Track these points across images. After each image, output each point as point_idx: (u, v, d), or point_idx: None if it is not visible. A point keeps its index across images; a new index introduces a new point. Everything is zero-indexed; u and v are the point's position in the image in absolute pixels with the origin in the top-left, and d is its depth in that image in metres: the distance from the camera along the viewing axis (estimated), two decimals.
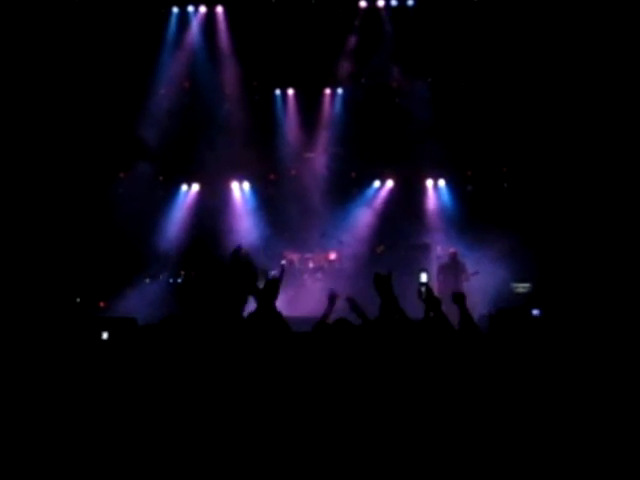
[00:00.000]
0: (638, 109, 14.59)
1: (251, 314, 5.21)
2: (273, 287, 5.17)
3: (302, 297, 13.80)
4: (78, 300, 14.51)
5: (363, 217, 16.09)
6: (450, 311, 5.62)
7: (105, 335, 7.62)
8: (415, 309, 5.92)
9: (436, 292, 12.44)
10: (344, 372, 4.35)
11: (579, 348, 4.83)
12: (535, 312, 8.38)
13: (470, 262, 13.83)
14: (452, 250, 14.10)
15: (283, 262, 15.13)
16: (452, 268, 13.82)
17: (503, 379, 4.39)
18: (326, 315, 5.44)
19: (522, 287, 14.93)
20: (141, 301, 13.70)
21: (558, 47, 15.06)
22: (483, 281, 13.46)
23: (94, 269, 14.99)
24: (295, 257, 15.71)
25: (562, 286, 13.95)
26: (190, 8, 16.55)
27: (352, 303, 5.71)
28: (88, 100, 15.45)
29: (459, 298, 5.73)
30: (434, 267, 14.40)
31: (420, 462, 3.90)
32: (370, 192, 16.64)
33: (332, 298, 5.85)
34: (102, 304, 14.52)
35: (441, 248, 15.11)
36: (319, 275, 15.25)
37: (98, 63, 15.41)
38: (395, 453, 3.92)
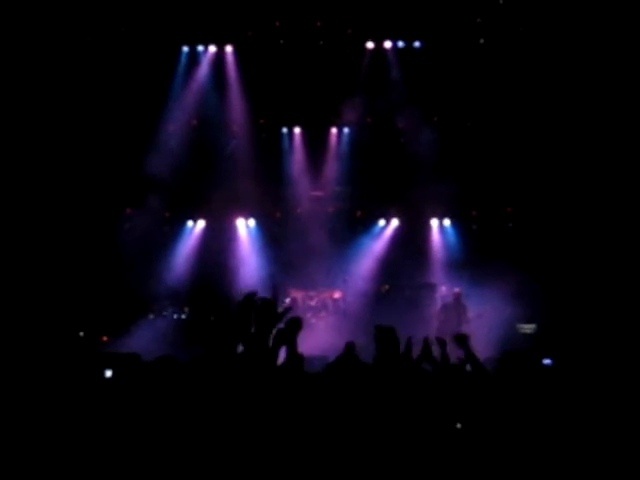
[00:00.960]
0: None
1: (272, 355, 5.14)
2: (294, 327, 5.16)
3: (306, 335, 13.73)
4: (81, 334, 14.47)
5: (368, 256, 16.08)
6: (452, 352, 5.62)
7: (109, 373, 7.58)
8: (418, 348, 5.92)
9: (436, 332, 12.42)
10: (347, 415, 4.33)
11: (589, 399, 4.79)
12: (547, 362, 8.27)
13: (475, 302, 13.80)
14: (457, 290, 14.08)
15: (287, 300, 15.13)
16: (455, 309, 13.79)
17: (509, 423, 4.35)
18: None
19: (528, 328, 14.86)
20: (145, 337, 13.67)
21: (560, 91, 15.21)
22: (487, 321, 13.40)
23: (99, 303, 14.98)
24: (299, 295, 15.67)
25: (568, 328, 13.88)
26: (200, 47, 16.76)
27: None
28: (98, 135, 15.61)
29: (461, 340, 5.71)
30: (438, 307, 14.38)
31: None
32: (376, 231, 16.66)
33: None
34: (105, 339, 14.48)
35: (446, 288, 15.06)
36: (323, 314, 15.21)
37: (109, 99, 15.60)
38: None
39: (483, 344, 10.72)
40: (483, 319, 13.38)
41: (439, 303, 14.62)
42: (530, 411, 4.49)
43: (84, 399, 5.40)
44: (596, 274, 14.67)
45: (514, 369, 4.90)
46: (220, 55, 16.78)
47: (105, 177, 15.77)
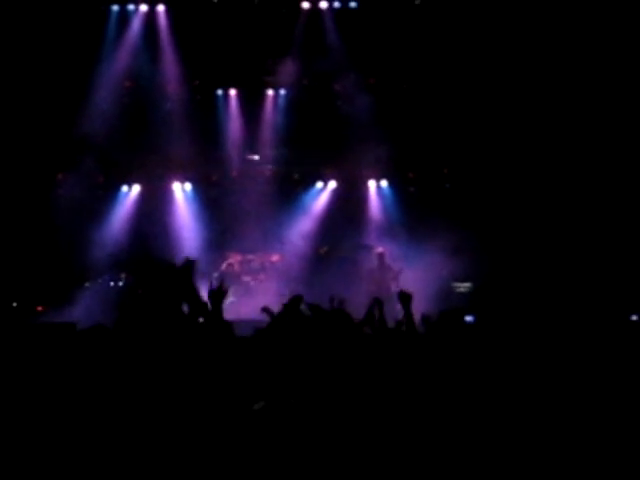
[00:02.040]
0: (567, 102, 14.98)
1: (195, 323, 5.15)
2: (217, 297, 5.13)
3: (245, 299, 13.76)
4: (14, 304, 14.19)
5: (306, 218, 16.11)
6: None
7: None
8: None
9: (365, 294, 12.61)
10: (282, 376, 4.36)
11: (508, 356, 4.95)
12: (469, 318, 8.51)
13: (412, 262, 14.00)
14: (379, 250, 14.28)
15: (223, 265, 15.12)
16: (379, 270, 14.02)
17: (436, 382, 4.47)
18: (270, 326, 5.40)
19: (463, 287, 15.16)
20: (82, 305, 13.49)
21: (494, 51, 15.35)
22: (423, 281, 13.62)
23: (32, 272, 14.69)
24: (237, 259, 15.65)
25: (502, 287, 14.22)
26: (130, 6, 16.30)
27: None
28: (26, 99, 15.13)
29: (405, 298, 5.76)
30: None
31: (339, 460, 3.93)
32: (313, 193, 16.67)
33: (267, 312, 5.80)
34: (40, 309, 14.23)
35: (383, 248, 15.23)
36: (262, 276, 15.23)
37: (37, 60, 15.10)
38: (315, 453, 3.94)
39: (417, 303, 10.90)
40: (419, 277, 13.59)
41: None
42: (455, 370, 4.61)
43: (18, 369, 5.31)
44: (531, 235, 15.03)
45: (441, 327, 5.02)
46: (152, 15, 16.36)
47: (35, 142, 15.34)
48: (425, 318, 5.72)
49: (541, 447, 4.17)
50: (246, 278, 15.18)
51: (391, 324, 5.67)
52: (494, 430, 4.26)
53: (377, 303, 5.89)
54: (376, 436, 4.05)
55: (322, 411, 4.12)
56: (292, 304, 5.25)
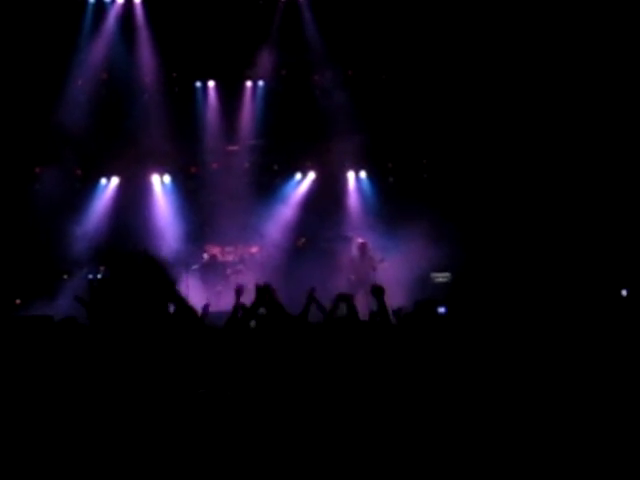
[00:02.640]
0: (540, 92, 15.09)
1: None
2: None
3: (225, 291, 13.75)
4: None
5: (285, 210, 16.12)
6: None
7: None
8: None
9: (346, 284, 12.67)
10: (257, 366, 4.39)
11: (479, 346, 5.01)
12: (441, 310, 8.57)
13: (391, 253, 14.06)
14: (360, 241, 14.38)
15: (205, 256, 15.11)
16: (361, 260, 14.11)
17: (407, 372, 4.52)
18: (235, 309, 5.46)
19: (442, 277, 15.22)
20: (60, 298, 13.43)
21: (474, 37, 15.41)
22: (402, 271, 13.69)
23: (11, 266, 14.61)
24: (216, 250, 15.64)
25: (480, 277, 14.31)
26: None
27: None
28: (2, 91, 15.01)
29: (378, 291, 5.82)
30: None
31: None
32: (292, 184, 16.68)
33: (238, 292, 5.88)
34: (18, 302, 14.16)
35: (364, 239, 15.27)
36: (241, 267, 15.22)
37: (11, 52, 14.97)
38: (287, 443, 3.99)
39: (396, 293, 11.00)
40: (395, 267, 13.65)
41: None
42: (426, 360, 4.67)
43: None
44: (511, 223, 15.13)
45: (415, 319, 5.07)
46: (128, 6, 16.27)
47: (12, 135, 15.23)
48: (396, 311, 5.78)
49: (519, 433, 4.22)
50: (225, 270, 15.17)
51: (364, 315, 5.73)
52: (468, 419, 4.31)
53: (376, 290, 5.90)
54: (346, 425, 4.10)
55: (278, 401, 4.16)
56: (260, 294, 5.29)
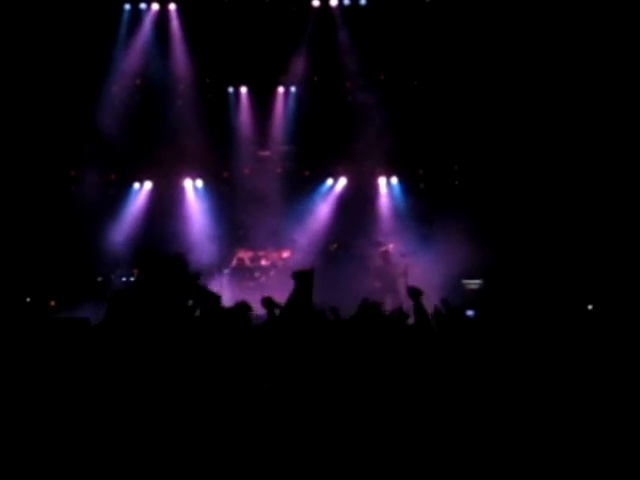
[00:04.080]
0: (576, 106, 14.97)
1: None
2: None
3: (256, 295, 13.79)
4: (28, 300, 14.30)
5: (316, 215, 16.16)
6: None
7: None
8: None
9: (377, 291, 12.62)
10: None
11: (507, 349, 5.00)
12: (469, 313, 8.55)
13: (422, 259, 14.04)
14: (383, 249, 14.44)
15: (234, 261, 15.21)
16: (385, 267, 14.16)
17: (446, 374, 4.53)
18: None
19: (473, 284, 15.15)
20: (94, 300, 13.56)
21: (505, 48, 15.35)
22: (433, 277, 13.64)
23: (46, 268, 14.80)
24: (248, 255, 15.73)
25: (512, 284, 14.21)
26: (142, 5, 16.41)
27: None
28: (40, 97, 15.24)
29: (415, 293, 5.81)
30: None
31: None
32: (324, 190, 16.73)
33: (267, 304, 5.89)
34: (52, 304, 14.34)
35: (393, 245, 15.27)
36: (272, 273, 15.28)
37: (51, 60, 15.21)
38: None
39: (427, 299, 10.96)
40: (426, 273, 13.60)
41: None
42: (455, 361, 4.68)
43: (30, 363, 5.40)
44: (541, 229, 15.03)
45: (449, 322, 5.09)
46: (163, 13, 16.47)
47: (49, 139, 15.47)
48: (437, 311, 5.81)
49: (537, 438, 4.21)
50: (256, 274, 15.24)
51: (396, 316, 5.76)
52: (494, 425, 4.31)
53: (413, 292, 5.89)
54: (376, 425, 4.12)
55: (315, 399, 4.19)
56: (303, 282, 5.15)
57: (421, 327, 5.49)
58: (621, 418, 4.26)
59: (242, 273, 15.15)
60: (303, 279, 4.90)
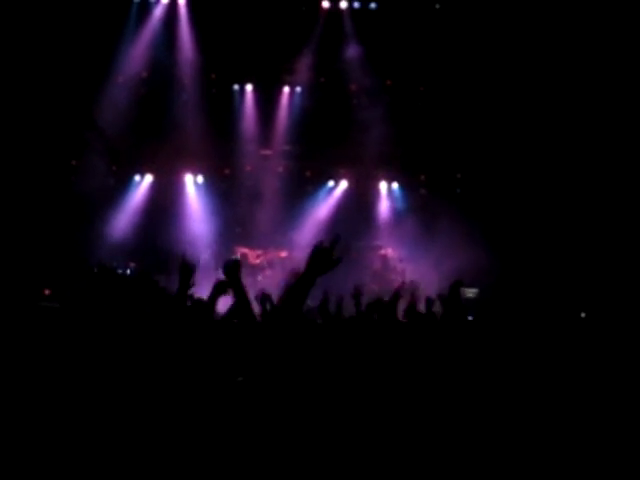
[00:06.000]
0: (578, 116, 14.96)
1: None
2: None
3: (252, 294, 13.76)
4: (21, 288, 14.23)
5: (316, 216, 16.15)
6: None
7: None
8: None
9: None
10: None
11: (502, 355, 5.01)
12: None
13: (419, 264, 14.02)
14: (382, 252, 14.43)
15: (237, 256, 15.15)
16: (383, 271, 14.15)
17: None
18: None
19: (470, 292, 15.13)
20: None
21: (512, 56, 15.33)
22: (430, 283, 13.60)
23: (42, 258, 14.76)
24: (244, 253, 15.71)
25: (508, 293, 14.19)
26: None
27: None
28: (44, 87, 15.21)
29: (457, 284, 5.88)
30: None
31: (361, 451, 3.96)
32: (324, 191, 16.71)
33: (263, 299, 5.87)
34: (47, 292, 14.30)
35: (392, 250, 15.26)
36: (269, 272, 15.25)
37: (57, 50, 15.18)
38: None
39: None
40: (423, 280, 13.56)
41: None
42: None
43: (24, 351, 5.36)
44: (541, 239, 15.02)
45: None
46: (173, 6, 16.44)
47: (51, 129, 15.44)
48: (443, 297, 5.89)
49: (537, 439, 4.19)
50: (255, 272, 15.22)
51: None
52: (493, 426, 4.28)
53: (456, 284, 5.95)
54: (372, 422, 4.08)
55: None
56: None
57: (453, 318, 5.59)
58: (615, 423, 4.23)
59: (245, 269, 15.09)
60: (321, 256, 4.34)
